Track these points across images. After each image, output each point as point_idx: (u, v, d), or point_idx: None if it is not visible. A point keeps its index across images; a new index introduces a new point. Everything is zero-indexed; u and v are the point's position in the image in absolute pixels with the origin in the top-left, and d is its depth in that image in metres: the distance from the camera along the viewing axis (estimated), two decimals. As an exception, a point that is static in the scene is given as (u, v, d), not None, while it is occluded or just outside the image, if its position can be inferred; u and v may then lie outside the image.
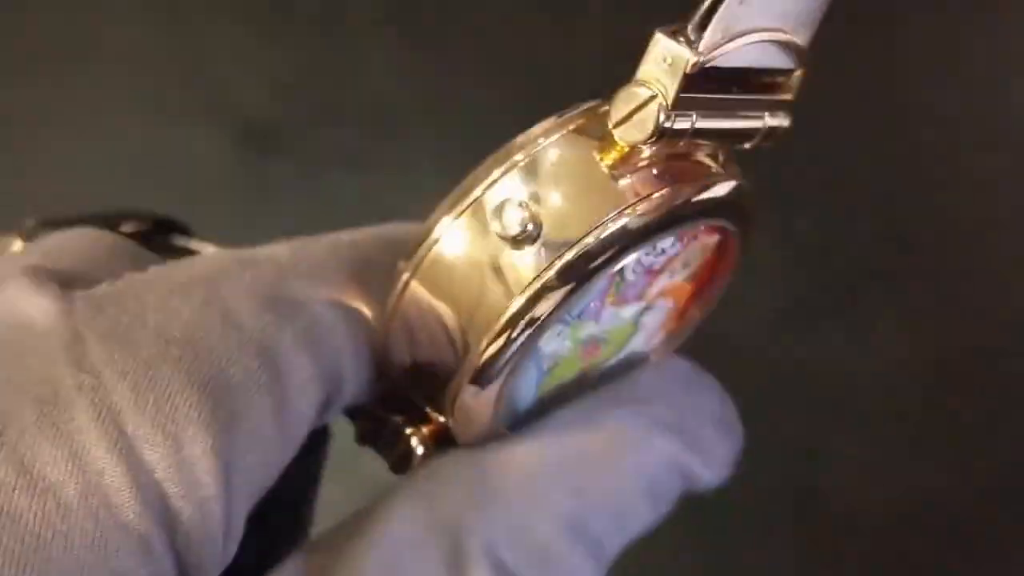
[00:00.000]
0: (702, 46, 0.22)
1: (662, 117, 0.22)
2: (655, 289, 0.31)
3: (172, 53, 0.52)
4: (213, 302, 0.27)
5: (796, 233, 0.58)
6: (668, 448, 0.31)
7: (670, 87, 0.23)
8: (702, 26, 0.22)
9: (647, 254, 0.28)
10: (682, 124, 0.23)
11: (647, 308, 0.31)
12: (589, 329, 0.31)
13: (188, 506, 0.24)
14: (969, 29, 0.59)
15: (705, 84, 0.23)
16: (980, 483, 0.55)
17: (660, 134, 0.22)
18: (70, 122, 0.57)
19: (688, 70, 0.22)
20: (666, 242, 0.28)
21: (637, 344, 0.31)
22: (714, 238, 0.30)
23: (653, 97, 0.23)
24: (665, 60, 0.23)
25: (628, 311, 0.31)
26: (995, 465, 0.55)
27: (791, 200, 0.58)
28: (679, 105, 0.23)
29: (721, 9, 0.22)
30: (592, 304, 0.30)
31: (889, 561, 0.47)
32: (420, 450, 0.28)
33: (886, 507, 0.54)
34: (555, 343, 0.30)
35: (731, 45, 0.23)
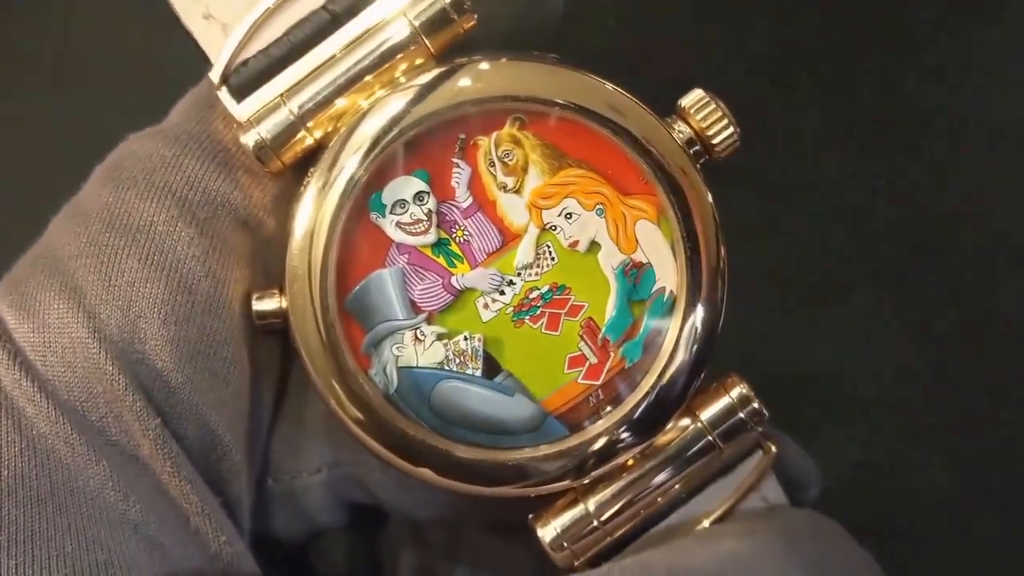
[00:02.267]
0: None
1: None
2: (511, 213, 0.34)
3: (164, 55, 0.52)
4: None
5: (793, 233, 0.57)
6: None
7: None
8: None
9: (418, 203, 0.34)
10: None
11: (550, 228, 0.34)
12: (487, 305, 0.34)
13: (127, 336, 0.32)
14: (968, 30, 0.58)
15: None
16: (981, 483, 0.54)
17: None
18: (64, 124, 0.57)
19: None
20: (409, 187, 0.33)
21: (626, 264, 0.34)
22: (506, 127, 0.34)
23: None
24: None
25: (521, 253, 0.34)
26: (994, 464, 0.54)
27: (790, 200, 0.57)
28: None
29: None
30: (425, 297, 0.34)
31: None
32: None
33: (885, 506, 0.54)
34: (422, 348, 0.34)
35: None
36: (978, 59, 0.57)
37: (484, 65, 0.33)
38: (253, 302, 0.34)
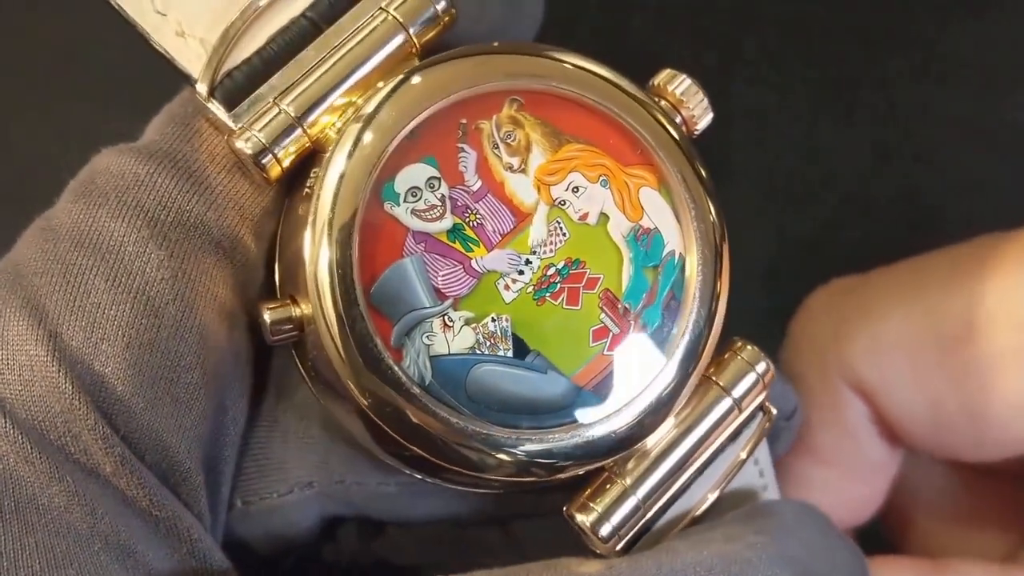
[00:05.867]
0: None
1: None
2: (520, 192, 0.34)
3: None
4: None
5: (792, 234, 0.59)
6: None
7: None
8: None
9: (430, 189, 0.33)
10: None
11: (559, 204, 0.34)
12: (508, 286, 0.33)
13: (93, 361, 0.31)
14: (965, 31, 0.61)
15: None
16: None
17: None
18: (61, 126, 0.57)
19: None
20: (421, 174, 0.33)
21: (636, 230, 0.34)
22: (504, 109, 0.34)
23: None
24: None
25: (535, 231, 0.34)
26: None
27: (789, 200, 0.59)
28: None
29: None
30: (449, 283, 0.33)
31: None
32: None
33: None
34: (451, 334, 0.33)
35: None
36: (979, 59, 0.60)
37: (473, 56, 0.34)
38: (265, 314, 0.32)
